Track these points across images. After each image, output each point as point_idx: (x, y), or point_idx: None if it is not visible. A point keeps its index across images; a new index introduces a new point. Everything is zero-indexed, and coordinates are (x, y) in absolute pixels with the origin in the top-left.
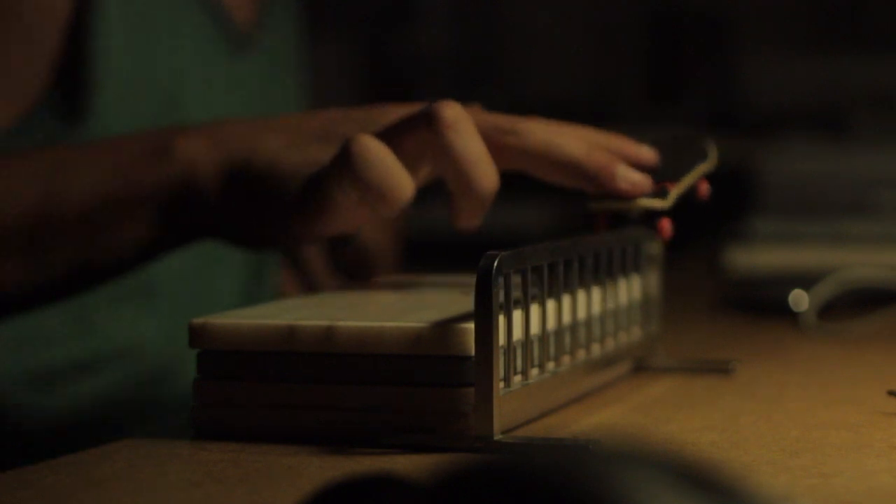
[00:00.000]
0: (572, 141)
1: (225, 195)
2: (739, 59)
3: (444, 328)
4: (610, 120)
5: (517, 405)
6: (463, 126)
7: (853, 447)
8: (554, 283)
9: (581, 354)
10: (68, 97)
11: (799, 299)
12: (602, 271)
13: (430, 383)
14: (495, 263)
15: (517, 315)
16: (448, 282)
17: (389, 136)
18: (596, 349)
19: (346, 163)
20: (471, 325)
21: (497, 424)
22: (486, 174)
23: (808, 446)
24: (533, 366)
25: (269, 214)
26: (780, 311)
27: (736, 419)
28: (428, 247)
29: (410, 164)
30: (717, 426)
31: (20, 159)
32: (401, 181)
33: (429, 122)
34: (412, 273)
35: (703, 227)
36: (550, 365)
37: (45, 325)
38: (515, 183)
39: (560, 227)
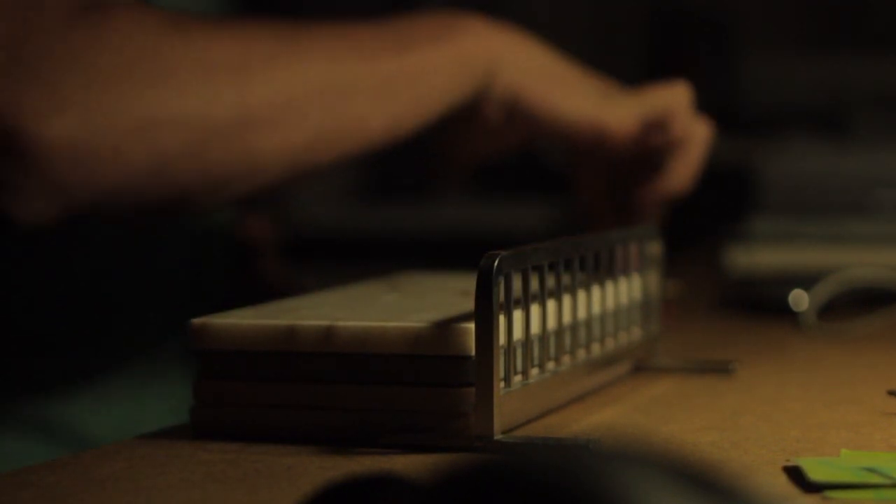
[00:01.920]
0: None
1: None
2: (739, 59)
3: (444, 328)
4: None
5: (517, 405)
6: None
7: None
8: (554, 283)
9: (581, 354)
10: None
11: (799, 299)
12: (602, 271)
13: (430, 383)
14: (495, 263)
15: (517, 315)
16: (448, 282)
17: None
18: (596, 349)
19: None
20: (471, 325)
21: (497, 424)
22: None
23: (808, 446)
24: (533, 366)
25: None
26: (780, 311)
27: (736, 419)
28: (429, 246)
29: None
30: (717, 426)
31: (306, 39)
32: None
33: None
34: (413, 272)
35: (703, 227)
36: (550, 365)
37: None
38: (515, 183)
39: (560, 228)
